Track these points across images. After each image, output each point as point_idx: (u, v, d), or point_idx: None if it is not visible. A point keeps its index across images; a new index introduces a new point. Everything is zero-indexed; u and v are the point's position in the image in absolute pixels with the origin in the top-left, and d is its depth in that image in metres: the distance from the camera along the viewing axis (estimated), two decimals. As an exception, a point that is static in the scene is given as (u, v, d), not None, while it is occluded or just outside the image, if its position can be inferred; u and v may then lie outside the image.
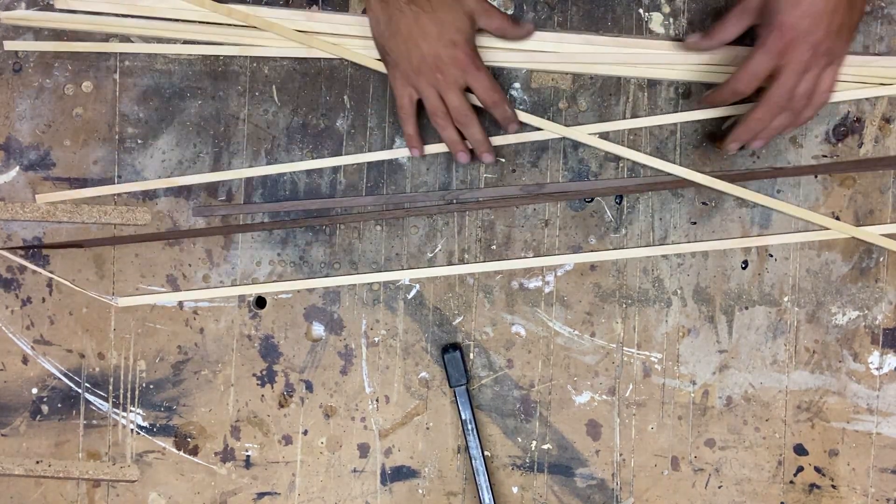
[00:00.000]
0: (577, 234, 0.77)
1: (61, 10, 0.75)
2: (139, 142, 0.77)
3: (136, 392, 0.79)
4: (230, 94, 0.77)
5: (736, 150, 0.70)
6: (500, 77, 0.76)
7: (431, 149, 0.75)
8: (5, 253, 0.77)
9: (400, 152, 0.76)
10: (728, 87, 0.66)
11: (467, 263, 0.77)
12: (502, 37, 0.71)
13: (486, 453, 0.78)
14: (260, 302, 0.78)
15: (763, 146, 0.70)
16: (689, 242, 0.76)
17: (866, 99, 0.75)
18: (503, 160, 0.76)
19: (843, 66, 0.66)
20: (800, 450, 0.77)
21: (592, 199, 0.77)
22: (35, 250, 0.78)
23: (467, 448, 0.76)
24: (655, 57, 0.74)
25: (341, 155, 0.76)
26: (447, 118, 0.69)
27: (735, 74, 0.65)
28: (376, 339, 0.78)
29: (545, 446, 0.78)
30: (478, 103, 0.70)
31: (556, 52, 0.74)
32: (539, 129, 0.75)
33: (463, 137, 0.71)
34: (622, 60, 0.74)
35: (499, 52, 0.74)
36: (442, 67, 0.66)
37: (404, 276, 0.77)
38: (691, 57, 0.73)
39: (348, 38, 0.74)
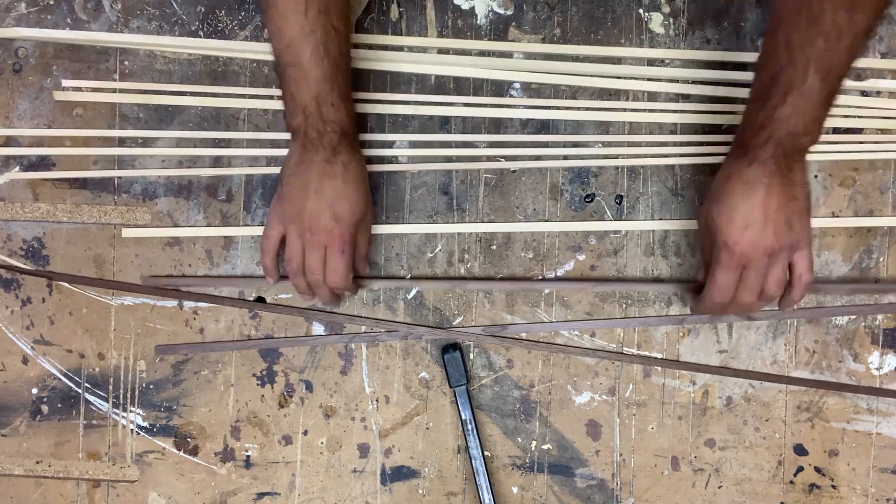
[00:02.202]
0: (577, 234, 0.77)
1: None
2: (139, 141, 0.77)
3: (136, 392, 0.79)
4: (230, 95, 0.77)
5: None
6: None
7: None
8: (3, 257, 0.77)
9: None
10: (706, 303, 0.67)
11: (467, 268, 0.77)
12: (348, 272, 0.70)
13: (486, 453, 0.78)
14: (260, 302, 0.78)
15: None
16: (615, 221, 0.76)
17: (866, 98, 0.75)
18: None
19: (811, 245, 0.65)
20: (800, 450, 0.77)
21: (592, 199, 0.77)
22: (34, 250, 0.78)
23: (467, 448, 0.76)
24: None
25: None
26: (299, 270, 0.69)
27: (706, 291, 0.66)
28: (376, 340, 0.78)
29: (545, 446, 0.78)
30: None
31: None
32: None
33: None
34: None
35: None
36: (314, 229, 0.66)
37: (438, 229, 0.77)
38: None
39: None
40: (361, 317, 0.78)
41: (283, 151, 0.73)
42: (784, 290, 0.66)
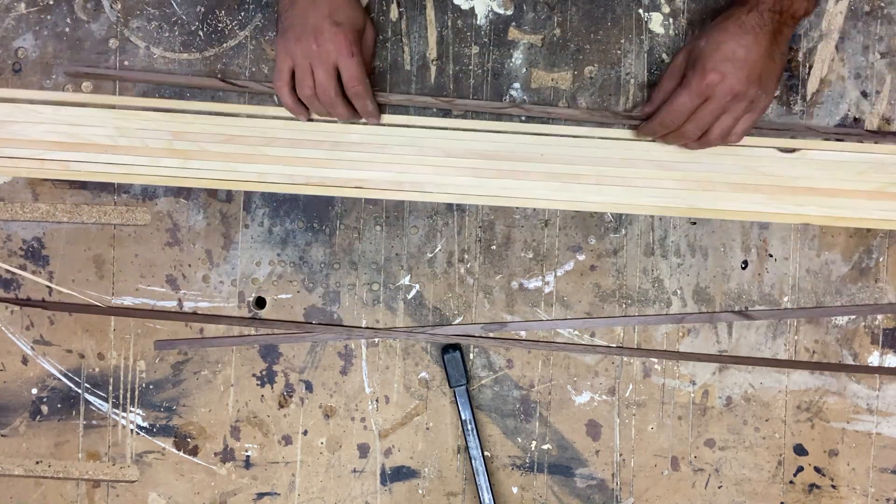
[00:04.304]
0: (576, 235, 0.77)
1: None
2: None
3: (136, 392, 0.79)
4: (230, 95, 0.77)
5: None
6: (499, 77, 0.76)
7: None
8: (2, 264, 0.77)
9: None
10: (656, 120, 0.71)
11: (467, 268, 0.77)
12: (364, 73, 0.72)
13: (486, 453, 0.78)
14: (260, 302, 0.78)
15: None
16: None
17: (865, 98, 0.75)
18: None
19: (762, 113, 0.70)
20: (800, 450, 0.77)
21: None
22: (34, 250, 0.78)
23: (467, 448, 0.76)
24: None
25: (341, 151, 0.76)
26: (313, 94, 0.71)
27: (662, 110, 0.70)
28: (376, 340, 0.78)
29: (545, 446, 0.78)
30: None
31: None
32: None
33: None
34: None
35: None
36: (319, 40, 0.69)
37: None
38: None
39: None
40: (360, 327, 0.78)
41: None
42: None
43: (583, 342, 0.77)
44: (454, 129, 0.75)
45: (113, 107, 0.76)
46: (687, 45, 0.71)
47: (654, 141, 0.75)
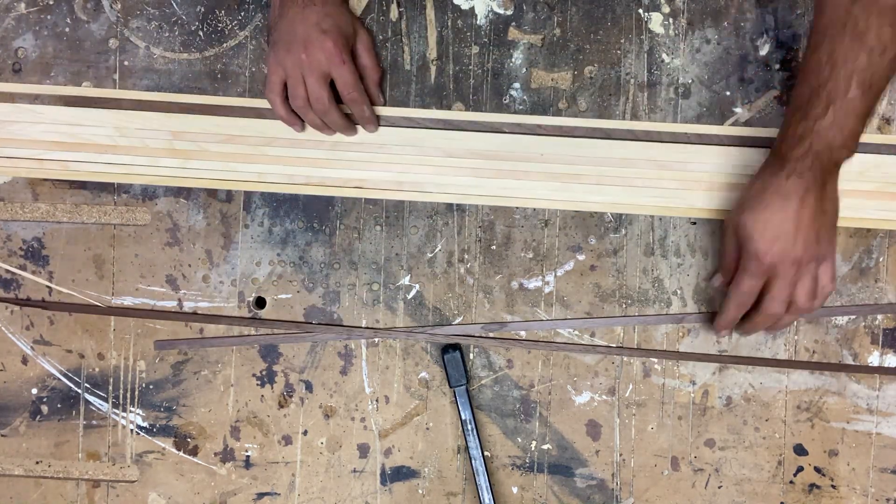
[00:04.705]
0: (576, 235, 0.77)
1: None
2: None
3: (136, 392, 0.79)
4: (230, 95, 0.77)
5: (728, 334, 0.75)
6: (499, 77, 0.76)
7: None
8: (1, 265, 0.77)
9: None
10: (728, 312, 0.69)
11: (467, 268, 0.77)
12: (357, 79, 0.72)
13: (486, 453, 0.78)
14: (260, 302, 0.78)
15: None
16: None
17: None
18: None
19: (835, 257, 0.67)
20: (800, 450, 0.77)
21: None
22: (34, 250, 0.78)
23: (467, 448, 0.76)
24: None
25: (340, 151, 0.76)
26: (306, 104, 0.71)
27: (729, 298, 0.68)
28: (376, 340, 0.78)
29: (545, 446, 0.78)
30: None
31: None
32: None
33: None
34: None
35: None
36: (309, 50, 0.69)
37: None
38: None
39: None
40: (360, 327, 0.78)
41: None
42: None
43: (583, 342, 0.77)
44: (454, 129, 0.75)
45: (117, 99, 0.76)
46: (731, 218, 0.68)
47: (744, 334, 0.75)
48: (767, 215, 0.64)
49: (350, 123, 0.74)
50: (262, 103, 0.75)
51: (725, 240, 0.69)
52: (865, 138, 0.74)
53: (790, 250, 0.64)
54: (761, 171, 0.67)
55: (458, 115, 0.75)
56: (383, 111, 0.75)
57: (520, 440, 0.78)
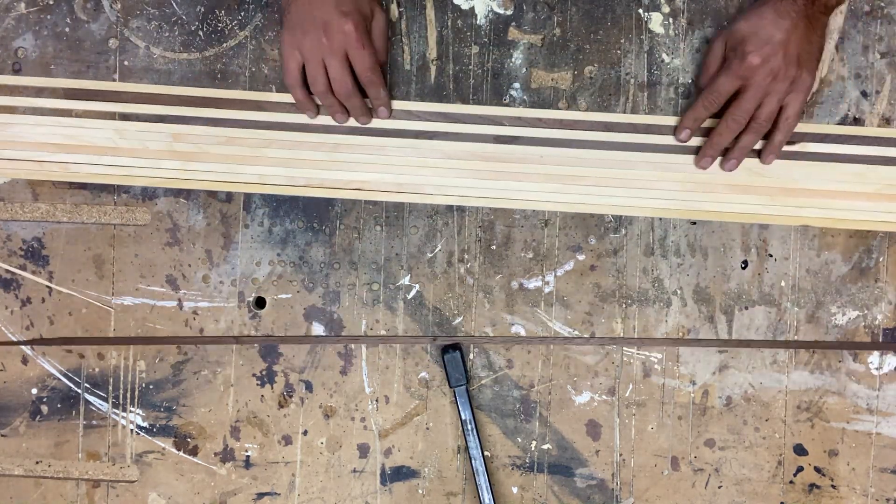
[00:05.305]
0: (576, 235, 0.77)
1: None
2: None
3: (136, 392, 0.79)
4: (230, 89, 0.77)
5: (708, 165, 0.74)
6: (499, 77, 0.76)
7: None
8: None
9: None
10: (696, 108, 0.72)
11: (467, 268, 0.77)
12: (376, 61, 0.71)
13: (486, 453, 0.78)
14: (259, 302, 0.78)
15: (735, 167, 0.73)
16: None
17: (865, 98, 0.75)
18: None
19: (808, 94, 0.71)
20: (800, 450, 0.77)
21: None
22: (34, 250, 0.78)
23: (467, 448, 0.76)
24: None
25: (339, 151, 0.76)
26: (327, 89, 0.70)
27: (701, 97, 0.71)
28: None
29: (545, 446, 0.78)
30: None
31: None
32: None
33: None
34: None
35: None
36: (329, 32, 0.68)
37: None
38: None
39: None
40: (363, 336, 0.78)
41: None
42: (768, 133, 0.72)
43: (583, 343, 0.77)
44: (454, 122, 0.75)
45: (117, 92, 0.76)
46: (724, 30, 0.72)
47: (702, 159, 0.74)
48: (763, 23, 0.68)
49: (368, 110, 0.73)
50: (262, 96, 0.75)
51: (713, 49, 0.72)
52: (865, 132, 0.74)
53: (772, 58, 0.68)
54: None
55: (458, 108, 0.75)
56: None
57: (520, 440, 0.78)
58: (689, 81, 0.76)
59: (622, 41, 0.76)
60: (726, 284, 0.77)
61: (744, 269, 0.77)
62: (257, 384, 0.78)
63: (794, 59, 0.68)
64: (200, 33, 0.77)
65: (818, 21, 0.69)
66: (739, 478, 0.77)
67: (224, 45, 0.77)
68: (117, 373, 0.79)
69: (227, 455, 0.79)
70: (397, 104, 0.75)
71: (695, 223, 0.76)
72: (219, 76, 0.77)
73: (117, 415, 0.79)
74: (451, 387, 0.76)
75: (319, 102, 0.73)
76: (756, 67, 0.68)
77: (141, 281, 0.78)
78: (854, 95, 0.76)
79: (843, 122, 0.76)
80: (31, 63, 0.77)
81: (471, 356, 0.78)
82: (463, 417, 0.76)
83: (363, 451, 0.78)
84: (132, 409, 0.79)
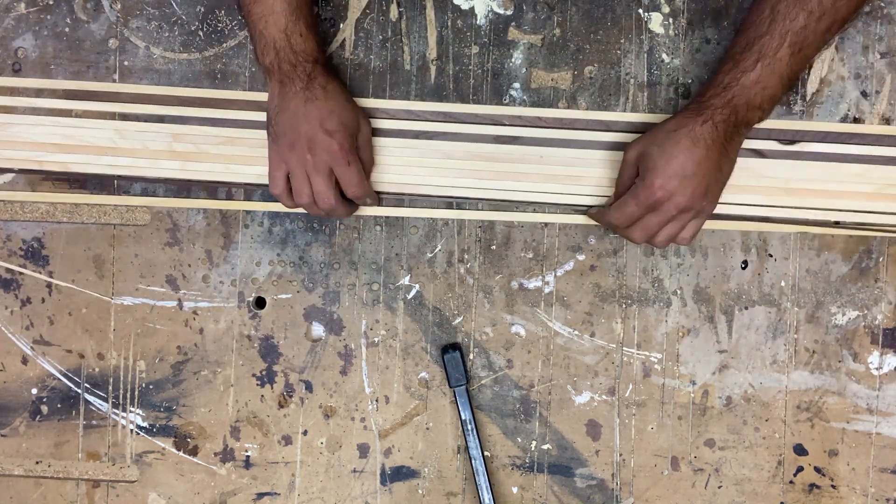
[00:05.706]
0: (576, 235, 0.77)
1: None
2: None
3: (136, 392, 0.79)
4: (229, 89, 0.77)
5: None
6: (499, 77, 0.76)
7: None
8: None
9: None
10: (606, 217, 0.71)
11: (467, 268, 0.77)
12: (362, 177, 0.71)
13: (486, 453, 0.78)
14: (259, 302, 0.78)
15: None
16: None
17: (865, 98, 0.75)
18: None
19: (706, 218, 0.69)
20: (799, 450, 0.77)
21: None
22: (34, 250, 0.78)
23: (467, 448, 0.76)
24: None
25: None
26: (311, 201, 0.70)
27: (611, 211, 0.69)
28: (376, 340, 0.78)
29: (545, 446, 0.78)
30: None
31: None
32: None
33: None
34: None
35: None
36: (314, 150, 0.68)
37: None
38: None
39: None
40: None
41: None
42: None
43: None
44: (454, 122, 0.75)
45: (116, 93, 0.76)
46: (639, 143, 0.69)
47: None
48: (675, 153, 0.65)
49: (352, 210, 0.74)
50: (261, 96, 0.75)
51: (624, 166, 0.70)
52: (865, 129, 0.74)
53: (680, 194, 0.65)
54: (679, 112, 0.69)
55: (458, 107, 0.75)
56: (384, 104, 0.75)
57: (520, 440, 0.78)
58: (689, 81, 0.76)
59: (622, 41, 0.76)
60: (726, 284, 0.77)
61: (744, 269, 0.77)
62: (257, 384, 0.78)
63: (703, 191, 0.66)
64: (200, 33, 0.77)
65: (735, 142, 0.67)
66: (739, 478, 0.77)
67: (224, 45, 0.77)
68: (117, 373, 0.79)
69: (227, 455, 0.79)
70: (397, 104, 0.75)
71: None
72: (219, 76, 0.77)
73: (117, 415, 0.79)
74: (450, 387, 0.76)
75: (306, 210, 0.72)
76: (664, 201, 0.66)
77: (141, 281, 0.78)
78: (854, 95, 0.76)
79: (843, 122, 0.76)
80: (30, 63, 0.77)
81: (471, 356, 0.78)
82: (463, 417, 0.76)
83: (363, 451, 0.78)
84: (132, 409, 0.79)
